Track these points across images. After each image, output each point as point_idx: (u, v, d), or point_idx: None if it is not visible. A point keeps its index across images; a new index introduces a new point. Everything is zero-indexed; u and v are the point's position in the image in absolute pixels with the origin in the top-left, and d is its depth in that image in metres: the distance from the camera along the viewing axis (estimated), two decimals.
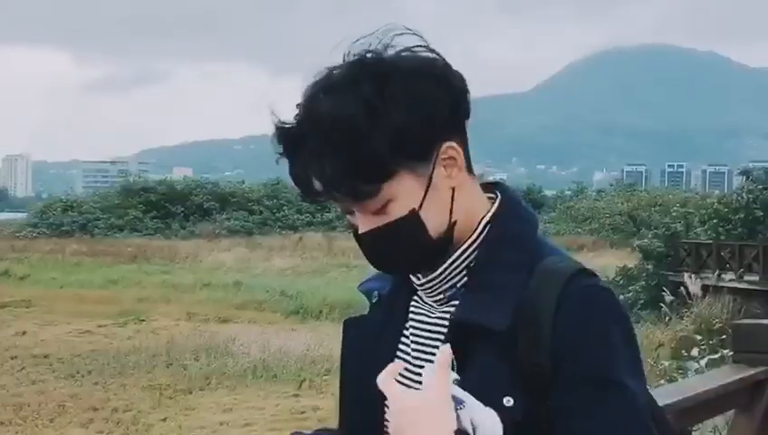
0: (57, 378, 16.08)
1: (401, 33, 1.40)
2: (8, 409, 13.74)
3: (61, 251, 41.82)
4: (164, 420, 13.29)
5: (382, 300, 1.53)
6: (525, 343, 1.34)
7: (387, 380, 1.30)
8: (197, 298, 27.82)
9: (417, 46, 1.40)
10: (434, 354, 1.36)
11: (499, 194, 1.49)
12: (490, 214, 1.46)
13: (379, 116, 1.33)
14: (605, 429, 1.30)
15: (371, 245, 1.41)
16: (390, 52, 1.39)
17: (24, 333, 20.97)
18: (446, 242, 1.42)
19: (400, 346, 1.48)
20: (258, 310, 25.93)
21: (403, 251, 1.41)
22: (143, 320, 23.27)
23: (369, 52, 1.38)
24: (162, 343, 18.80)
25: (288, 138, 1.37)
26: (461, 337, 1.36)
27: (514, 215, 1.48)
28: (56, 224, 52.32)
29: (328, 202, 1.42)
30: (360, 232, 1.41)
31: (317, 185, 1.37)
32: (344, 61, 1.39)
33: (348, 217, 1.44)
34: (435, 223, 1.40)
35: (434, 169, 1.40)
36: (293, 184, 1.41)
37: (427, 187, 1.39)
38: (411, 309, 1.50)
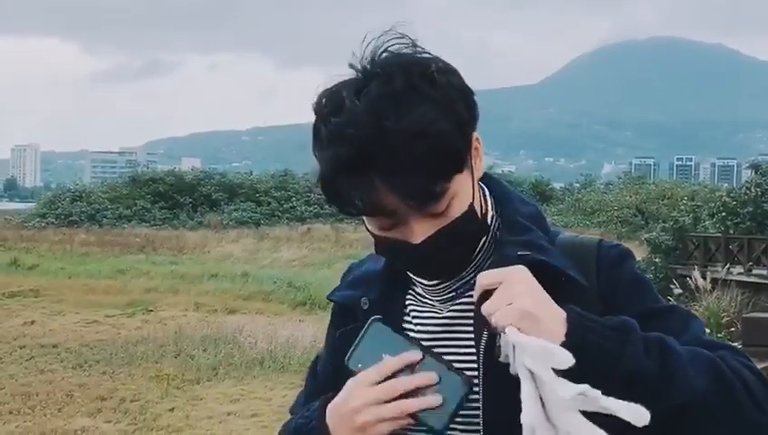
0: (65, 368, 16.12)
1: (393, 37, 1.37)
2: (16, 398, 13.78)
3: (69, 241, 41.87)
4: (171, 410, 13.31)
5: (373, 306, 1.49)
6: (577, 301, 1.35)
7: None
8: (205, 289, 27.84)
9: (411, 47, 1.38)
10: (468, 347, 1.40)
11: (485, 187, 1.49)
12: (491, 207, 1.47)
13: (449, 114, 1.32)
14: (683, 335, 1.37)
15: (432, 250, 1.36)
16: (403, 52, 1.37)
17: (32, 322, 21.01)
18: (484, 234, 1.44)
19: None
20: (266, 301, 25.94)
21: (465, 249, 1.40)
22: (151, 310, 23.31)
23: (396, 53, 1.35)
24: (170, 334, 18.83)
25: (356, 159, 1.28)
26: None
27: (519, 199, 1.50)
28: (64, 214, 52.42)
29: (376, 215, 1.35)
30: (416, 242, 1.35)
31: (385, 196, 1.30)
32: (364, 66, 1.35)
33: (387, 233, 1.38)
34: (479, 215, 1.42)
35: (472, 160, 1.40)
36: (346, 205, 1.34)
37: (473, 178, 1.40)
38: (410, 311, 1.49)
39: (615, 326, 1.29)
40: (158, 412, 13.15)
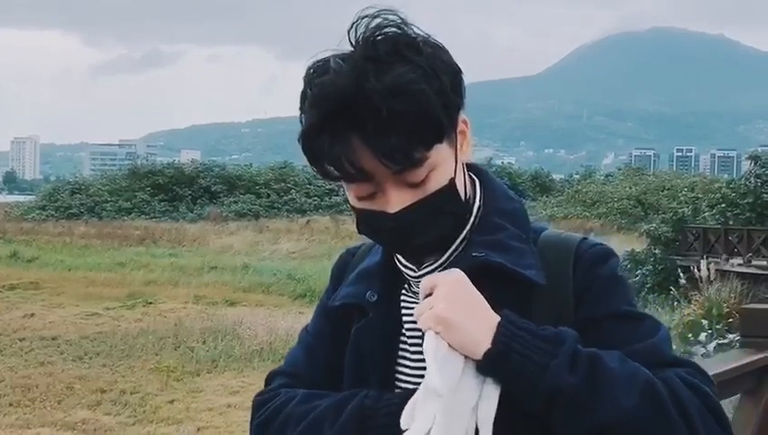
0: (65, 360, 16.13)
1: (379, 14, 1.37)
2: (16, 390, 13.79)
3: (69, 234, 41.88)
4: (171, 402, 13.32)
5: (380, 298, 1.49)
6: (548, 304, 1.38)
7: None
8: (205, 281, 27.86)
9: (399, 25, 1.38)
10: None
11: (475, 177, 1.49)
12: (479, 199, 1.47)
13: (433, 80, 1.32)
14: (639, 347, 1.36)
15: (408, 222, 1.36)
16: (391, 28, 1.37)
17: (32, 315, 21.02)
18: (467, 218, 1.44)
19: (404, 339, 1.48)
20: (265, 293, 25.96)
21: (442, 224, 1.40)
22: (151, 302, 23.31)
23: (385, 27, 1.36)
24: (170, 326, 18.84)
25: (338, 118, 1.31)
26: (476, 284, 1.35)
27: (505, 195, 1.50)
28: (64, 206, 52.44)
29: (362, 175, 1.35)
30: (393, 211, 1.36)
31: (363, 157, 1.31)
32: (356, 40, 1.36)
33: (366, 202, 1.39)
34: (461, 194, 1.42)
35: (456, 139, 1.40)
36: (326, 164, 1.34)
37: (456, 155, 1.40)
38: (403, 305, 1.49)
39: (547, 338, 1.29)
40: (158, 404, 13.17)
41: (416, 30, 1.37)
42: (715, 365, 3.68)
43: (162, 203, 54.58)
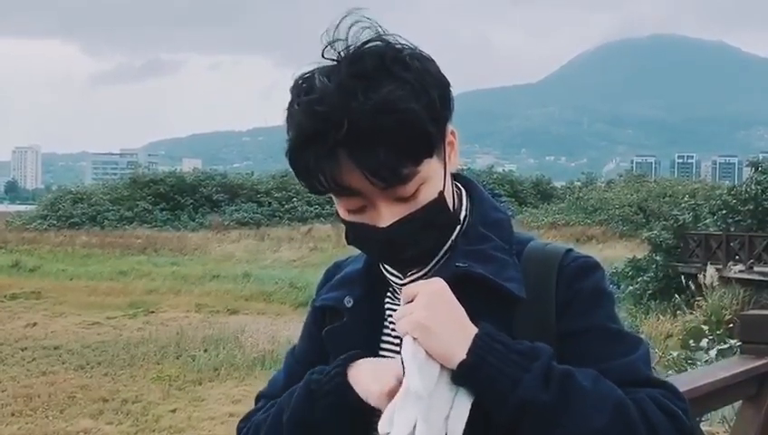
0: (67, 369, 16.13)
1: (364, 27, 1.37)
2: (18, 400, 13.79)
3: (70, 243, 41.89)
4: (173, 411, 13.32)
5: (357, 304, 1.50)
6: (529, 316, 1.38)
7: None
8: (206, 289, 27.87)
9: (383, 36, 1.37)
10: None
11: (462, 188, 1.50)
12: (465, 208, 1.47)
13: (420, 96, 1.32)
14: (616, 365, 1.36)
15: (399, 235, 1.37)
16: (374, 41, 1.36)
17: (34, 324, 21.03)
18: (455, 228, 1.44)
19: (383, 345, 1.48)
20: (267, 301, 25.97)
21: (433, 239, 1.40)
22: (152, 311, 23.33)
23: (370, 41, 1.35)
24: (171, 335, 18.84)
25: (324, 135, 1.30)
26: (458, 294, 1.36)
27: (491, 205, 1.50)
28: (66, 216, 52.36)
29: (350, 191, 1.35)
30: (383, 225, 1.36)
31: (350, 172, 1.31)
32: (339, 54, 1.34)
33: (355, 215, 1.39)
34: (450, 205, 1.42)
35: (445, 150, 1.41)
36: (313, 180, 1.35)
37: (445, 168, 1.40)
38: (387, 310, 1.49)
39: (521, 352, 1.30)
40: (160, 413, 13.16)
41: (401, 41, 1.37)
42: (715, 372, 3.69)
43: (164, 212, 54.53)
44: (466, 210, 1.47)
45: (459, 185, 1.49)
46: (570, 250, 1.45)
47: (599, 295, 1.42)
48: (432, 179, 1.37)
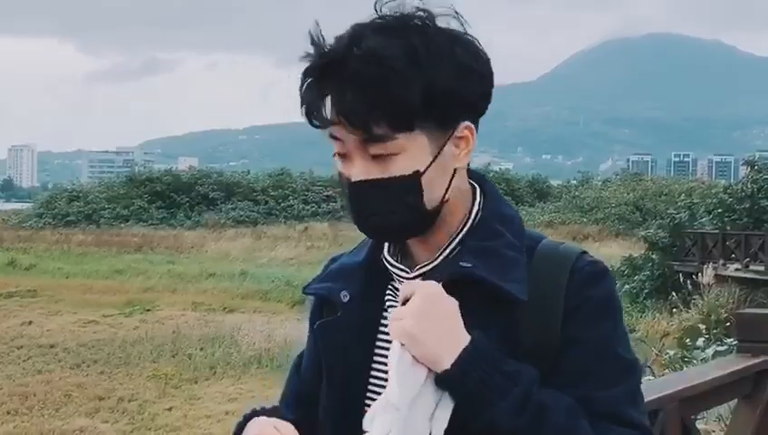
0: (63, 368, 16.13)
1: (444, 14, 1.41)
2: (14, 398, 13.79)
3: (66, 241, 41.86)
4: (169, 409, 13.33)
5: (354, 299, 1.50)
6: (535, 317, 1.38)
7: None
8: (203, 288, 27.86)
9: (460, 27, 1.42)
10: None
11: (477, 185, 1.50)
12: (478, 204, 1.47)
13: (422, 66, 1.34)
14: (605, 393, 1.36)
15: (363, 195, 1.39)
16: (438, 20, 1.40)
17: (29, 322, 21.02)
18: (433, 218, 1.42)
19: (378, 344, 1.48)
20: (263, 300, 25.97)
21: (392, 211, 1.39)
22: (149, 310, 23.32)
23: (420, 11, 1.39)
24: (168, 333, 18.85)
25: (327, 59, 1.36)
26: (457, 295, 1.36)
27: (503, 202, 1.51)
28: (62, 214, 52.31)
29: (333, 132, 1.39)
30: (353, 179, 1.38)
31: (331, 112, 1.36)
32: (381, 12, 1.39)
33: (341, 162, 1.41)
34: (431, 194, 1.40)
35: (447, 141, 1.40)
36: (307, 105, 1.39)
37: (436, 155, 1.39)
38: (388, 307, 1.48)
39: (505, 374, 1.31)
40: (156, 412, 13.17)
41: (455, 26, 1.41)
42: (711, 371, 3.69)
43: (160, 210, 54.46)
44: (479, 205, 1.47)
45: (473, 182, 1.49)
46: (583, 253, 1.45)
47: (608, 306, 1.42)
48: (412, 155, 1.37)
